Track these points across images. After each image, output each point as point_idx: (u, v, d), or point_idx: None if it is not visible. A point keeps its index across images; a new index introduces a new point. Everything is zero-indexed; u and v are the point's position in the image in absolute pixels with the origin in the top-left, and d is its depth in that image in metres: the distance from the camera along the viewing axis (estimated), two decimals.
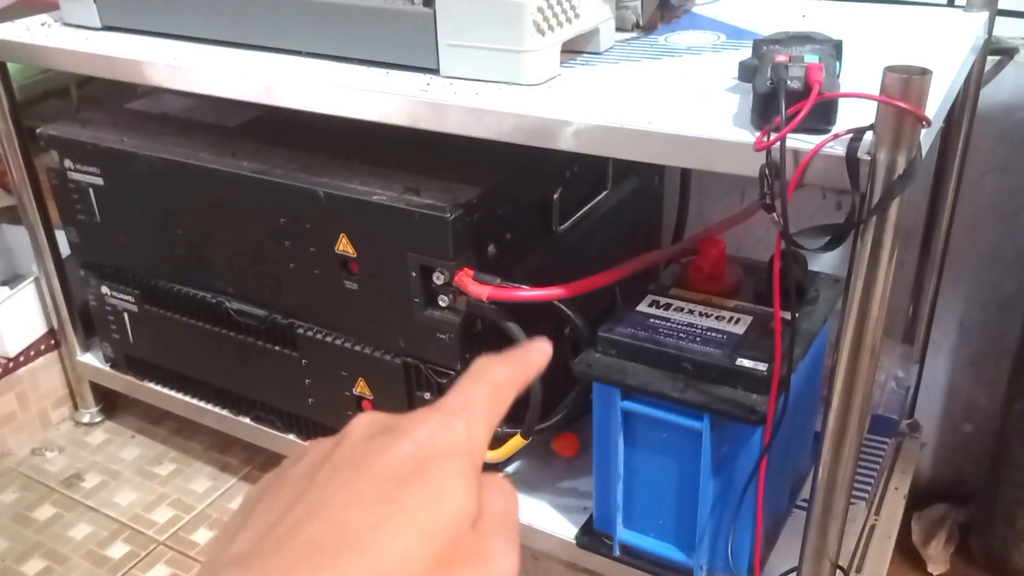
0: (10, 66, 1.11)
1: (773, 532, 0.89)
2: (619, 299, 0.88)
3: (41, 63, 1.09)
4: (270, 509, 0.28)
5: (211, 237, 1.01)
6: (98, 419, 1.33)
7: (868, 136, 0.60)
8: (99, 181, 1.05)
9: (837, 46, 0.70)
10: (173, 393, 1.17)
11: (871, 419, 0.93)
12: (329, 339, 0.97)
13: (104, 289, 1.15)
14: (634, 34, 0.90)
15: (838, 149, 0.61)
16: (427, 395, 0.90)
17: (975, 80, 0.94)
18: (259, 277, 0.99)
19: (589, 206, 1.01)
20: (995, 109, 1.00)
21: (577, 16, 0.79)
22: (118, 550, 1.11)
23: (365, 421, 0.30)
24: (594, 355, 0.80)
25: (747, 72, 0.70)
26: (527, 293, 0.82)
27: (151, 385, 1.19)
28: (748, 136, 0.64)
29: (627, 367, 0.79)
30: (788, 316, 0.71)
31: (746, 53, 0.72)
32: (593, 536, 0.90)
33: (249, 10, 0.89)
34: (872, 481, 1.00)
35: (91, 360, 1.26)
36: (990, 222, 1.06)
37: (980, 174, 1.04)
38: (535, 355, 0.34)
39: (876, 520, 1.00)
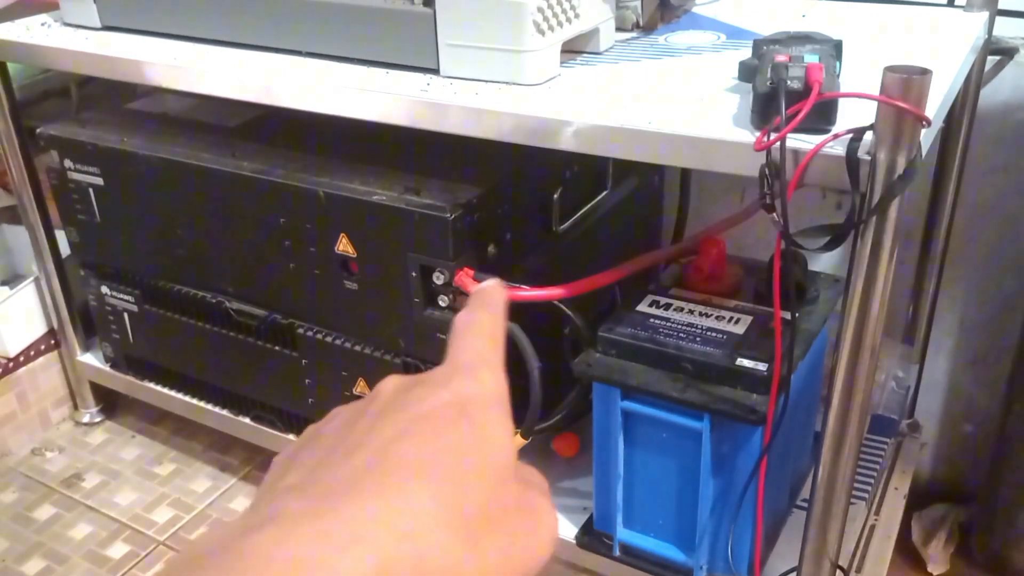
0: (10, 66, 1.11)
1: (773, 532, 0.89)
2: (619, 299, 0.88)
3: (41, 63, 1.09)
4: (314, 454, 0.28)
5: (211, 237, 1.01)
6: (98, 419, 1.33)
7: (868, 136, 0.60)
8: (99, 181, 1.05)
9: (837, 46, 0.70)
10: (173, 393, 1.17)
11: (871, 419, 0.93)
12: (329, 339, 0.97)
13: (104, 289, 1.15)
14: (634, 34, 0.90)
15: (838, 149, 0.61)
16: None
17: (975, 80, 0.94)
18: (259, 277, 0.99)
19: (589, 206, 1.01)
20: (995, 109, 1.00)
21: (577, 16, 0.79)
22: (118, 550, 1.11)
23: (393, 382, 0.31)
24: (594, 355, 0.80)
25: (747, 72, 0.70)
26: (527, 293, 0.82)
27: (151, 385, 1.19)
28: (748, 136, 0.64)
29: (627, 367, 0.79)
30: (788, 316, 0.71)
31: (746, 53, 0.72)
32: (593, 536, 0.90)
33: (249, 10, 0.89)
34: (872, 481, 1.00)
35: (91, 360, 1.26)
36: (990, 222, 1.06)
37: (980, 174, 1.04)
38: (494, 293, 0.35)
39: (876, 520, 1.00)
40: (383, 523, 0.24)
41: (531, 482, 0.30)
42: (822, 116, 0.62)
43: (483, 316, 0.34)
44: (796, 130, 0.60)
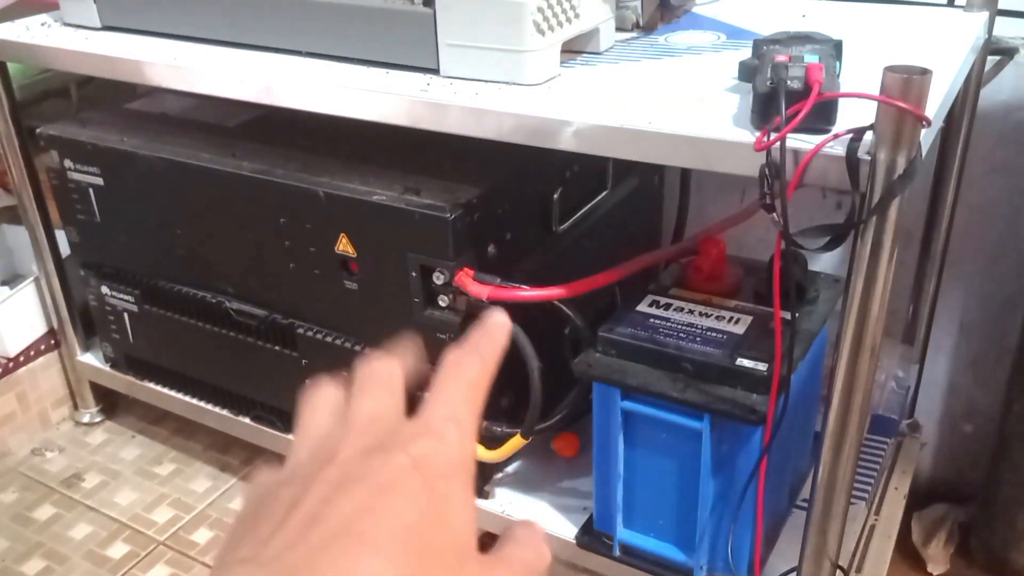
0: (10, 66, 1.11)
1: (773, 532, 0.89)
2: (619, 299, 0.88)
3: (41, 63, 1.09)
4: (270, 520, 0.27)
5: (211, 237, 1.01)
6: (98, 419, 1.33)
7: (868, 136, 0.60)
8: (99, 181, 1.05)
9: (837, 46, 0.70)
10: (173, 393, 1.17)
11: (871, 419, 0.93)
12: (329, 339, 0.97)
13: (104, 289, 1.15)
14: (634, 34, 0.90)
15: (838, 149, 0.61)
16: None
17: (975, 80, 0.94)
18: (259, 277, 0.99)
19: (589, 206, 1.01)
20: (995, 109, 1.00)
21: (577, 16, 0.79)
22: (118, 550, 1.11)
23: (356, 440, 0.30)
24: (594, 355, 0.80)
25: (747, 72, 0.70)
26: (527, 293, 0.82)
27: (151, 385, 1.19)
28: (748, 136, 0.64)
29: (627, 367, 0.79)
30: (788, 316, 0.71)
31: (746, 53, 0.72)
32: (593, 536, 0.90)
33: (249, 10, 0.89)
34: (872, 481, 1.00)
35: (91, 360, 1.26)
36: (990, 222, 1.06)
37: (980, 174, 1.04)
38: (497, 334, 0.35)
39: (876, 520, 1.00)
40: None
41: (511, 560, 0.30)
42: (822, 116, 0.62)
43: (472, 361, 0.34)
44: (796, 130, 0.60)
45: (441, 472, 0.28)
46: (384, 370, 0.35)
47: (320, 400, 0.34)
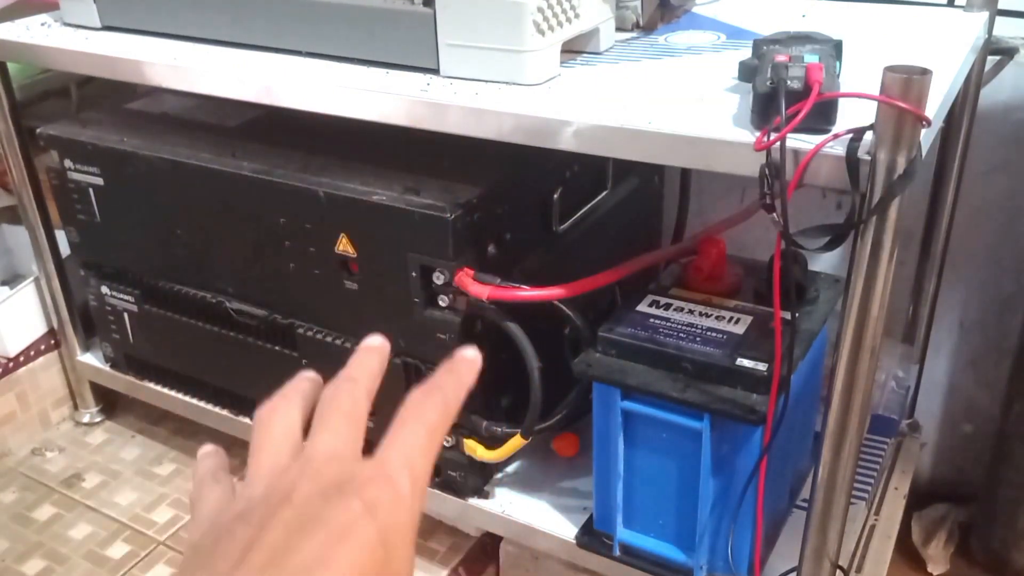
0: (10, 66, 1.11)
1: (773, 532, 0.89)
2: (619, 299, 0.88)
3: (41, 63, 1.09)
4: (226, 558, 0.28)
5: (211, 237, 1.01)
6: (98, 419, 1.33)
7: (868, 136, 0.60)
8: (99, 181, 1.05)
9: (837, 46, 0.70)
10: (173, 393, 1.17)
11: (871, 419, 0.93)
12: (329, 339, 0.97)
13: (104, 289, 1.15)
14: (634, 34, 0.90)
15: (838, 149, 0.61)
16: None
17: (975, 80, 0.94)
18: (259, 277, 0.99)
19: (589, 206, 1.01)
20: (995, 109, 1.00)
21: (577, 16, 0.80)
22: (118, 550, 1.11)
23: (312, 479, 0.30)
24: (594, 355, 0.80)
25: (747, 72, 0.70)
26: (527, 293, 0.82)
27: (151, 385, 1.19)
28: (748, 136, 0.64)
29: (627, 367, 0.79)
30: (788, 316, 0.71)
31: (746, 53, 0.72)
32: (593, 536, 0.90)
33: (249, 10, 0.89)
34: (872, 481, 1.00)
35: (91, 360, 1.26)
36: (990, 222, 1.06)
37: (980, 174, 1.04)
38: (464, 373, 0.35)
39: (876, 520, 1.00)
40: None
41: None
42: (822, 116, 0.62)
43: (434, 404, 0.34)
44: (796, 130, 0.60)
45: (392, 523, 0.29)
46: (349, 400, 0.35)
47: (278, 427, 0.35)
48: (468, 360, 0.36)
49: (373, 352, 0.37)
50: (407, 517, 0.30)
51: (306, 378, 0.38)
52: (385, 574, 0.28)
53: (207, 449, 0.40)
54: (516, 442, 0.88)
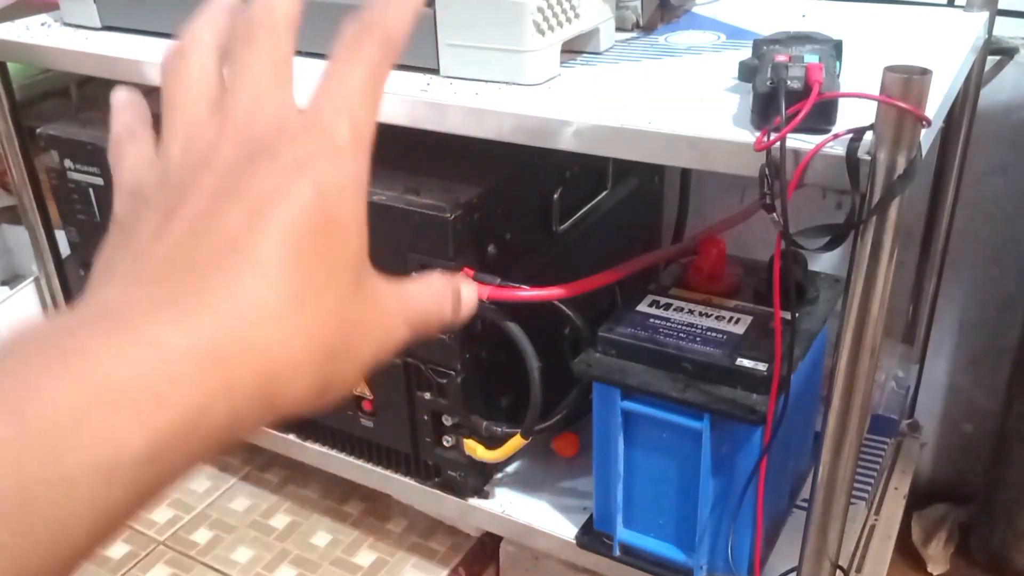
0: (10, 66, 1.11)
1: (773, 532, 0.89)
2: (619, 299, 0.88)
3: (41, 63, 1.09)
4: (146, 225, 0.25)
5: None
6: None
7: (868, 136, 0.60)
8: (99, 181, 1.05)
9: (837, 46, 0.70)
10: None
11: (871, 419, 0.93)
12: None
13: None
14: (634, 34, 0.90)
15: (838, 149, 0.61)
16: (427, 395, 0.90)
17: (975, 80, 0.94)
18: None
19: (589, 206, 1.01)
20: (995, 109, 1.00)
21: (577, 16, 0.79)
22: (118, 550, 1.11)
23: (234, 137, 0.26)
24: (594, 355, 0.80)
25: (747, 72, 0.70)
26: (527, 293, 0.82)
27: None
28: (748, 136, 0.64)
29: (627, 367, 0.79)
30: (788, 316, 0.71)
31: (746, 53, 0.72)
32: (593, 536, 0.90)
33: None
34: (872, 481, 1.00)
35: None
36: (990, 222, 1.06)
37: (980, 174, 1.04)
38: (404, 4, 0.29)
39: (876, 520, 1.00)
40: (230, 335, 0.22)
41: (401, 295, 0.30)
42: (822, 116, 0.62)
43: (374, 37, 0.28)
44: (796, 130, 0.60)
45: (331, 180, 0.25)
46: (267, 33, 0.29)
47: (192, 74, 0.29)
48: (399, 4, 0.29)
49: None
50: (348, 172, 0.26)
51: (219, 2, 0.32)
52: (327, 237, 0.25)
53: (121, 98, 0.32)
54: (516, 442, 0.88)
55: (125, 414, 0.20)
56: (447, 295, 0.31)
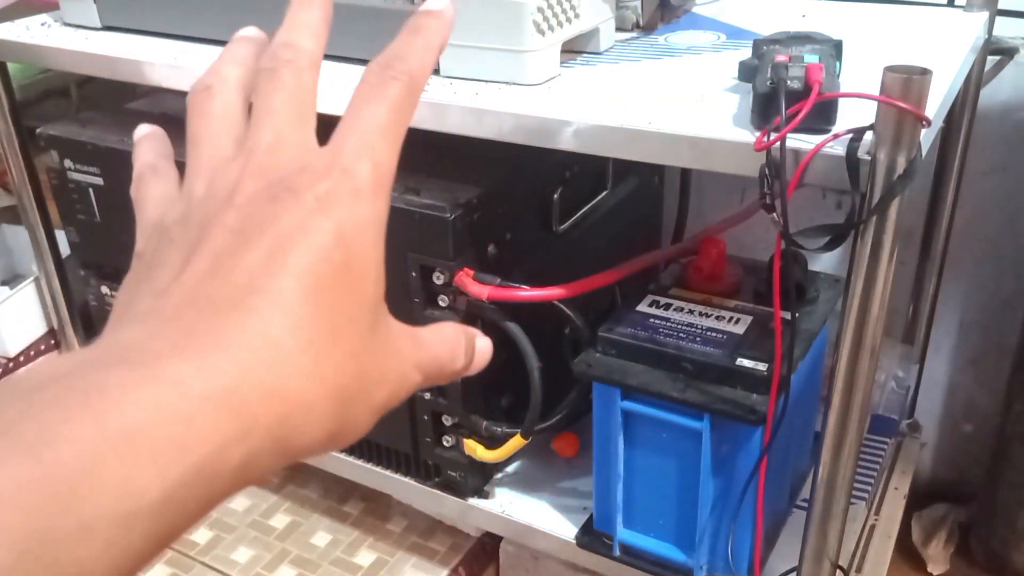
0: (10, 66, 1.11)
1: (773, 532, 0.89)
2: (619, 299, 0.88)
3: (41, 63, 1.09)
4: (167, 268, 0.25)
5: None
6: None
7: (868, 136, 0.60)
8: (99, 181, 1.05)
9: (837, 46, 0.70)
10: None
11: (871, 419, 0.93)
12: None
13: (104, 289, 1.15)
14: (634, 34, 0.90)
15: (838, 149, 0.61)
16: (427, 395, 0.90)
17: (975, 80, 0.94)
18: None
19: (589, 206, 1.01)
20: (995, 109, 1.00)
21: (577, 16, 0.79)
22: None
23: (256, 176, 0.26)
24: (594, 355, 0.80)
25: (747, 72, 0.70)
26: (527, 293, 0.82)
27: None
28: (748, 136, 0.64)
29: (627, 367, 0.79)
30: (788, 316, 0.71)
31: (746, 53, 0.72)
32: (593, 536, 0.90)
33: (249, 10, 0.89)
34: (872, 481, 1.00)
35: None
36: (990, 222, 1.06)
37: (980, 174, 1.04)
38: (432, 34, 0.29)
39: (876, 520, 1.00)
40: (248, 378, 0.22)
41: (417, 339, 0.28)
42: (822, 116, 0.62)
43: (398, 74, 0.28)
44: (796, 130, 0.60)
45: (351, 220, 0.25)
46: (291, 73, 0.28)
47: (216, 111, 0.29)
48: (436, 14, 0.29)
49: (312, 3, 0.28)
50: (368, 213, 0.26)
51: (245, 39, 0.31)
52: (346, 279, 0.25)
53: (144, 132, 0.32)
54: (516, 442, 0.88)
55: (143, 459, 0.20)
56: (460, 343, 0.31)
